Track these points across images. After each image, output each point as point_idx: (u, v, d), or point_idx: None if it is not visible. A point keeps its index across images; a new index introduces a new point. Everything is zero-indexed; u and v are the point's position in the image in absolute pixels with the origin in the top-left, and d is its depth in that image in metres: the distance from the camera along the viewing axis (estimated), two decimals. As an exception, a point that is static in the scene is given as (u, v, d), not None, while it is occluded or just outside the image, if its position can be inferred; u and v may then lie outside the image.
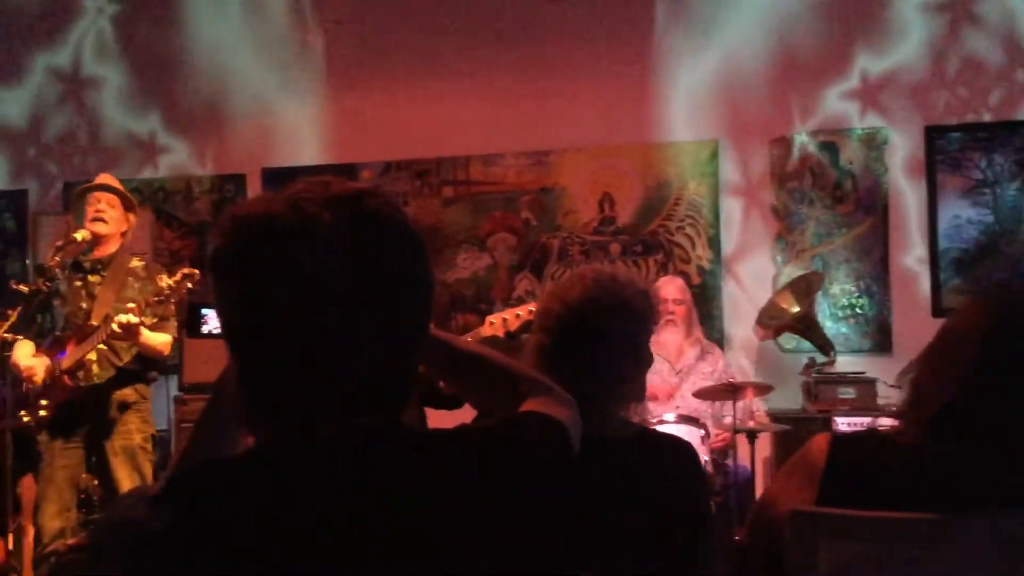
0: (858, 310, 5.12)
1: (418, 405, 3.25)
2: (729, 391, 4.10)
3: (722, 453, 4.30)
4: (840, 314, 5.13)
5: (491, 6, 5.54)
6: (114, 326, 3.73)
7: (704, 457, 3.76)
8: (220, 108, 5.81)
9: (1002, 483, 1.42)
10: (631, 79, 5.38)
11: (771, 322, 5.03)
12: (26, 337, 3.97)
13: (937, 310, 5.03)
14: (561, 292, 1.87)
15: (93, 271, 4.08)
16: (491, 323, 3.48)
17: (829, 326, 5.07)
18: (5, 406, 3.93)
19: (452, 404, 3.18)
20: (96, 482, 4.13)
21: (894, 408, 4.45)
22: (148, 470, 4.09)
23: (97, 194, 4.09)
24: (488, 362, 1.31)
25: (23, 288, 3.87)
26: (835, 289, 5.13)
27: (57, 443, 3.96)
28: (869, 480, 1.48)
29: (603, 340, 1.83)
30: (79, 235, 3.99)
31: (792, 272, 5.15)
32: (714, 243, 5.26)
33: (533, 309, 2.58)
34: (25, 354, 3.92)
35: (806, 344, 5.03)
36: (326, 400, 1.03)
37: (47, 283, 3.92)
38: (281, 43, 5.75)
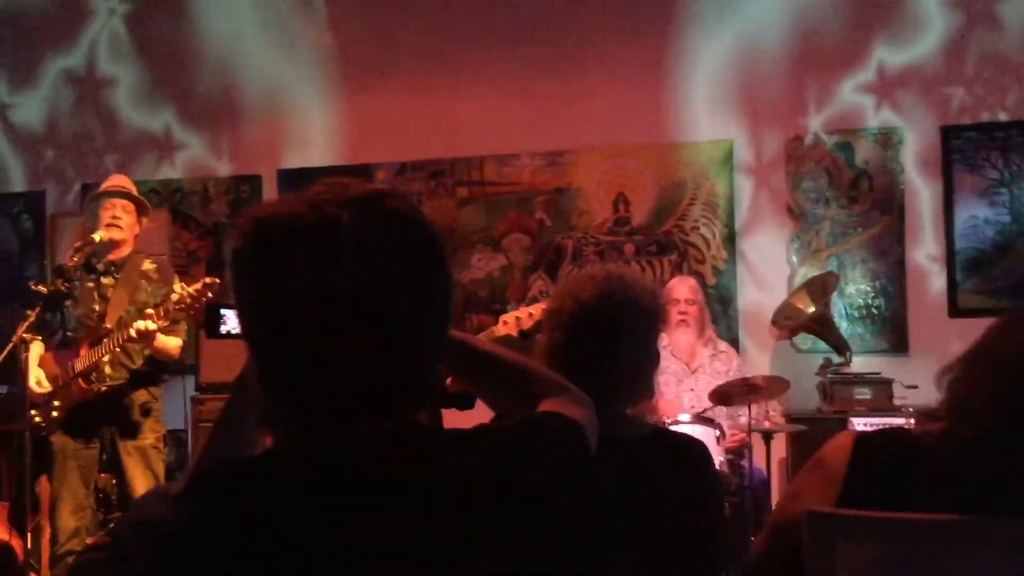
0: (874, 310, 5.10)
1: (433, 405, 3.25)
2: (744, 389, 4.07)
3: (738, 453, 4.29)
4: (856, 314, 5.11)
5: (506, 7, 5.54)
6: (132, 332, 3.76)
7: (719, 458, 3.75)
8: (234, 107, 5.83)
9: None
10: (645, 79, 5.37)
11: (787, 322, 5.02)
12: (41, 337, 4.00)
13: (953, 310, 5.00)
14: (573, 291, 1.87)
15: (106, 273, 4.11)
16: (504, 322, 3.48)
17: (845, 326, 5.05)
18: (23, 407, 3.96)
19: (461, 404, 3.18)
20: (114, 481, 4.16)
21: (913, 409, 4.46)
22: (161, 470, 4.13)
23: (113, 199, 4.13)
24: (504, 362, 1.31)
25: (42, 289, 3.90)
26: (851, 289, 5.12)
27: (71, 443, 4.00)
28: (893, 480, 1.46)
29: (617, 338, 1.84)
30: (97, 236, 4.02)
31: (808, 272, 5.13)
32: (729, 243, 5.25)
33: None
34: (33, 358, 3.95)
35: (822, 344, 5.01)
36: (345, 400, 1.03)
37: (66, 284, 3.95)
38: (295, 43, 5.77)
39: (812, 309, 4.91)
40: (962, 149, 5.04)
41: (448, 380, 1.42)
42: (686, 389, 4.52)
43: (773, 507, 4.18)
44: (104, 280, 4.11)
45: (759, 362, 5.14)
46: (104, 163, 5.92)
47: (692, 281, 4.74)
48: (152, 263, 4.21)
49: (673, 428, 3.62)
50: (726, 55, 5.29)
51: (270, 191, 5.73)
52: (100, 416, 3.99)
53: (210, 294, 3.74)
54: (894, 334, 5.07)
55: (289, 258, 1.02)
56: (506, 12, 5.53)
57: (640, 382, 1.91)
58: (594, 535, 1.62)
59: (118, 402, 4.00)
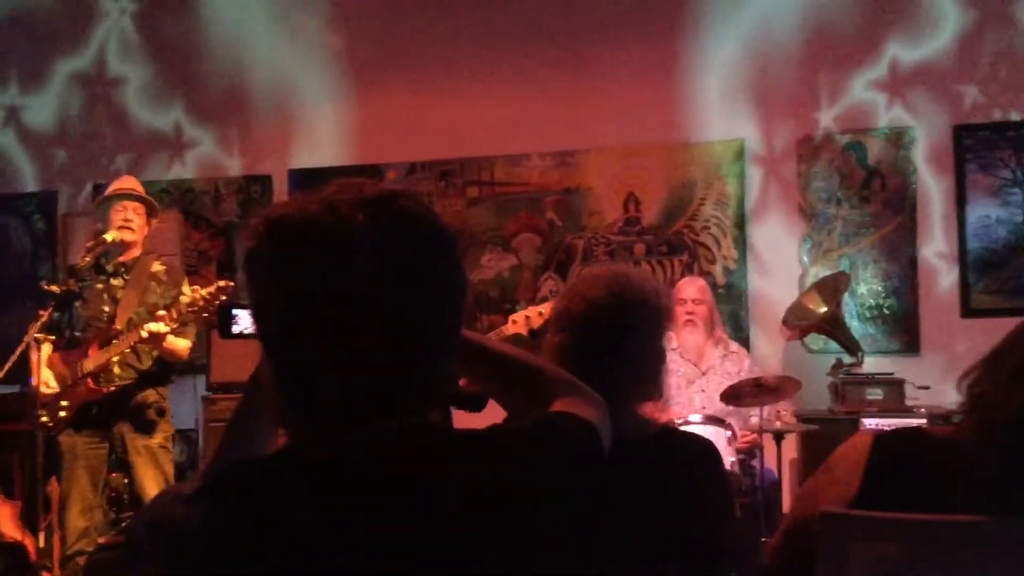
0: (886, 310, 5.08)
1: (443, 405, 3.25)
2: (755, 390, 4.05)
3: (749, 454, 4.28)
4: (867, 314, 5.09)
5: (516, 7, 5.54)
6: (143, 333, 3.78)
7: (730, 458, 3.74)
8: (244, 105, 5.85)
9: None
10: (656, 78, 5.36)
11: (798, 323, 5.01)
12: (53, 338, 4.02)
13: (965, 310, 4.98)
14: (582, 291, 1.87)
15: (115, 274, 4.13)
16: (514, 321, 3.49)
17: (856, 326, 5.03)
18: (34, 407, 3.98)
19: (473, 405, 3.18)
20: (126, 481, 4.18)
21: (925, 410, 4.44)
22: (170, 470, 4.15)
23: (124, 202, 4.15)
24: (517, 362, 1.31)
25: (54, 289, 3.92)
26: (862, 289, 5.10)
27: (80, 444, 4.02)
28: (911, 480, 1.45)
29: (629, 337, 1.84)
30: (109, 236, 4.04)
31: (819, 272, 5.12)
32: (739, 243, 5.23)
33: (556, 306, 2.58)
34: (42, 359, 3.97)
35: (833, 345, 4.99)
36: (359, 400, 1.03)
37: (78, 284, 3.97)
38: (305, 43, 5.78)
39: (824, 309, 4.90)
40: (975, 148, 5.01)
41: (462, 381, 1.42)
42: (697, 390, 4.51)
43: (783, 507, 4.18)
44: (114, 281, 4.13)
45: (770, 363, 5.13)
46: (115, 163, 5.95)
47: (701, 282, 4.73)
48: (161, 265, 4.23)
49: (683, 429, 3.61)
50: (737, 54, 5.28)
51: (280, 191, 5.74)
52: (109, 416, 4.01)
53: (223, 297, 3.76)
54: (906, 334, 5.05)
55: (304, 258, 1.02)
56: (517, 12, 5.53)
57: (649, 381, 1.91)
58: (602, 535, 1.61)
59: (126, 402, 4.02)
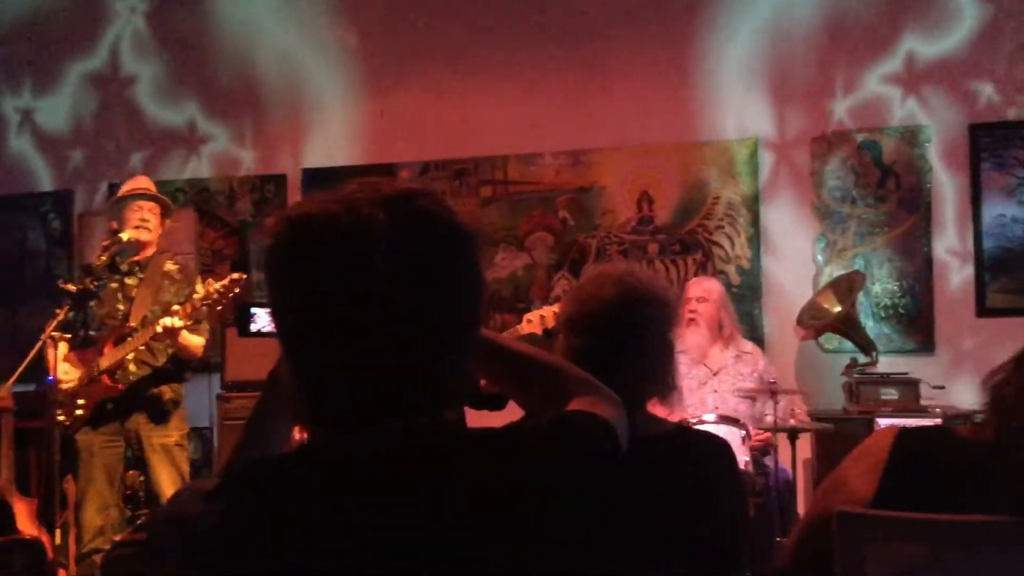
0: (900, 310, 5.06)
1: (460, 404, 3.25)
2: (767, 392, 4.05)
3: (762, 452, 4.27)
4: (882, 314, 5.07)
5: (530, 5, 5.54)
6: (158, 328, 3.80)
7: (744, 458, 3.74)
8: (258, 101, 5.86)
9: None
10: (669, 77, 5.35)
11: (812, 322, 4.99)
12: (69, 336, 4.04)
13: (981, 310, 4.95)
14: (592, 291, 1.87)
15: (130, 273, 4.16)
16: (529, 321, 3.48)
17: (871, 326, 5.01)
18: (52, 403, 4.01)
19: (493, 405, 3.18)
20: (142, 478, 4.21)
21: (938, 409, 4.42)
22: (186, 467, 4.18)
23: (139, 202, 4.18)
24: (533, 360, 1.31)
25: (71, 288, 3.94)
26: (877, 288, 5.07)
27: (96, 442, 4.05)
28: (933, 477, 1.45)
29: (642, 336, 1.84)
30: (125, 235, 4.06)
31: (833, 271, 5.10)
32: (753, 242, 5.22)
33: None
34: (59, 357, 3.99)
35: (848, 344, 4.97)
36: (366, 400, 1.04)
37: (94, 282, 3.99)
38: (319, 42, 5.80)
39: (838, 308, 4.88)
40: (990, 147, 4.99)
41: (482, 381, 1.42)
42: (709, 391, 4.49)
43: (797, 507, 4.17)
44: (128, 280, 4.16)
45: (785, 362, 5.11)
46: (131, 162, 5.98)
47: (708, 282, 4.70)
48: (175, 264, 4.25)
49: (697, 428, 3.61)
50: (750, 52, 5.26)
51: (294, 190, 5.76)
52: (125, 413, 4.03)
53: (237, 290, 3.77)
54: (921, 334, 5.02)
55: (322, 257, 1.03)
56: (530, 11, 5.53)
57: (661, 379, 1.91)
58: (615, 534, 1.62)
59: (142, 399, 4.05)
